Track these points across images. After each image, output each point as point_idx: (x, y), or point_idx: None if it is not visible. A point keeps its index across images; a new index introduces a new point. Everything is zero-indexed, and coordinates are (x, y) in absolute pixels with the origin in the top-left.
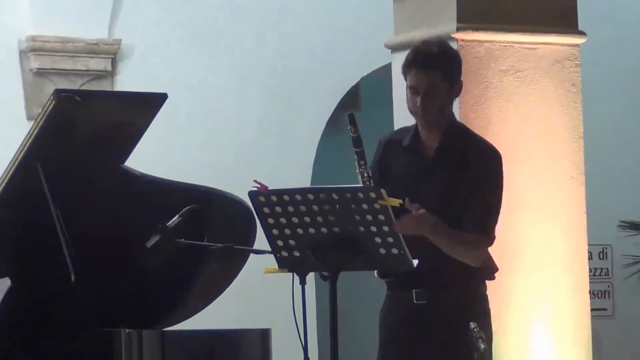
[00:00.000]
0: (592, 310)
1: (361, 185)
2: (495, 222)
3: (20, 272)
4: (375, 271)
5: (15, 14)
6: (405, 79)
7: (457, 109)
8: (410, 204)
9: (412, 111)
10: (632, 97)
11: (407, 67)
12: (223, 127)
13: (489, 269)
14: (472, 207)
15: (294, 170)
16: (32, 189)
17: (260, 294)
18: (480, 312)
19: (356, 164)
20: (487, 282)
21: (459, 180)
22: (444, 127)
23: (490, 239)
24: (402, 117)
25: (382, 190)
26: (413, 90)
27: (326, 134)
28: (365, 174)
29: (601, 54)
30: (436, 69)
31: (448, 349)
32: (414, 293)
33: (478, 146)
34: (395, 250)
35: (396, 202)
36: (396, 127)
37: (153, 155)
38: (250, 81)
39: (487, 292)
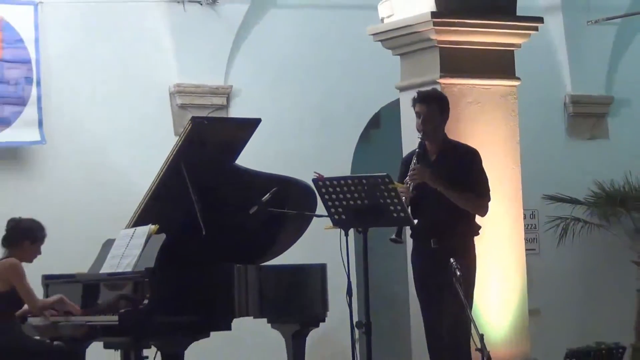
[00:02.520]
0: (526, 250)
1: (378, 174)
2: (488, 189)
3: (171, 230)
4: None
5: (167, 70)
6: (414, 109)
7: None
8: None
9: (417, 129)
10: (549, 118)
11: (413, 101)
12: (295, 141)
13: (476, 228)
14: (472, 183)
15: (339, 168)
16: (178, 180)
17: (318, 242)
18: (471, 255)
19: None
20: (474, 237)
21: (452, 173)
22: (441, 141)
23: (486, 199)
24: (407, 134)
25: (391, 177)
26: (417, 115)
27: (359, 144)
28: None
29: (531, 91)
30: (429, 103)
31: (449, 276)
32: (431, 241)
33: (469, 149)
34: (402, 214)
35: (400, 185)
36: (403, 140)
37: (253, 156)
38: (311, 111)
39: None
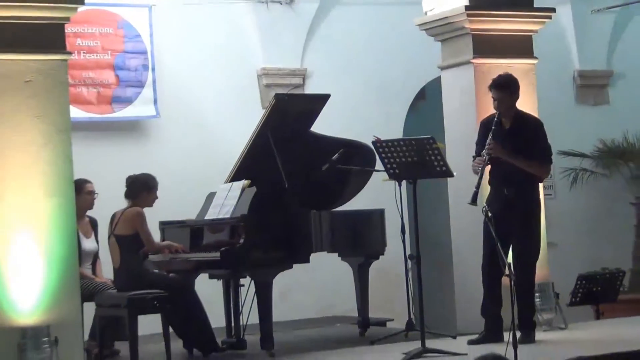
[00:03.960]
0: (544, 195)
1: (425, 136)
2: (550, 154)
3: (260, 184)
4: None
5: (254, 57)
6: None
7: (475, 97)
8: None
9: (495, 108)
10: (561, 88)
11: (490, 87)
12: (357, 111)
13: (542, 177)
14: (537, 149)
15: (393, 132)
16: (265, 144)
17: (378, 192)
18: (537, 198)
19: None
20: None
21: (522, 140)
22: (514, 113)
23: (549, 162)
24: (448, 104)
25: (435, 139)
26: (493, 98)
27: (409, 113)
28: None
29: (546, 68)
30: (501, 89)
31: (520, 217)
32: (505, 189)
33: (536, 121)
34: (444, 168)
35: (442, 145)
36: (445, 112)
37: (325, 124)
38: (370, 87)
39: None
